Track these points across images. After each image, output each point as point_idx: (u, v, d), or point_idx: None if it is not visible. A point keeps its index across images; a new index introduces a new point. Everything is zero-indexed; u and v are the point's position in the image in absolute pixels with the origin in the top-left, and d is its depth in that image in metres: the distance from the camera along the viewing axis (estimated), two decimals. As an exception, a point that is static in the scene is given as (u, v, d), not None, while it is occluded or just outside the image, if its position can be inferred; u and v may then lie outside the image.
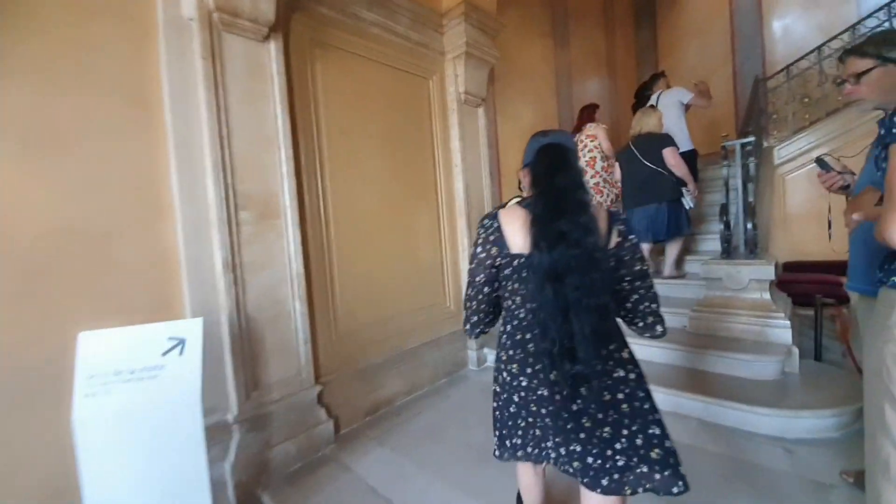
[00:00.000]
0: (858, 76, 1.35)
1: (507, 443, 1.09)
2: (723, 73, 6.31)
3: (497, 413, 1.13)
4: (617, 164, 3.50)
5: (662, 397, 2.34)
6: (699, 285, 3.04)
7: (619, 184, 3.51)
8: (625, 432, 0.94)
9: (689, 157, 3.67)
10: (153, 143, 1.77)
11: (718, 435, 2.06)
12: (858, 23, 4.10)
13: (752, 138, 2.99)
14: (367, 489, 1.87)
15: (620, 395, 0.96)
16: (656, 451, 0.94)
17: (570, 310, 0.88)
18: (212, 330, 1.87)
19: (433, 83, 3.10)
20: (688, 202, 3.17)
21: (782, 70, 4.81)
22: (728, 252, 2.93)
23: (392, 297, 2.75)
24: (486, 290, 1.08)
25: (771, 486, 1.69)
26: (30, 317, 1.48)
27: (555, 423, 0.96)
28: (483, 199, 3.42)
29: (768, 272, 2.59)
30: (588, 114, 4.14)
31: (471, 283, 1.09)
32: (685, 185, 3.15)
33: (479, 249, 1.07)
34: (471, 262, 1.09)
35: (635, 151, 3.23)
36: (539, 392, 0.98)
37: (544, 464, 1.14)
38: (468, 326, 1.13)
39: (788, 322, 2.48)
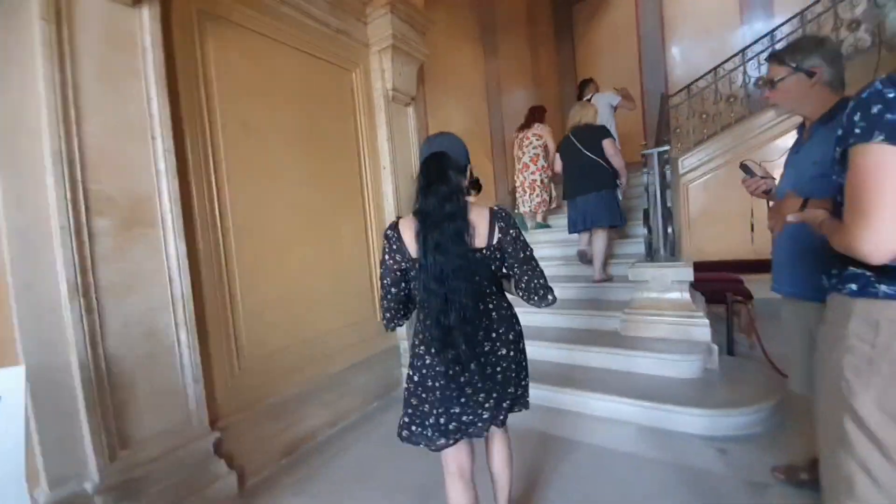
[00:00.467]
0: (774, 82, 1.37)
1: (406, 430, 1.22)
2: (632, 90, 6.83)
3: (405, 397, 1.24)
4: (558, 156, 3.60)
5: (603, 405, 2.30)
6: (626, 287, 3.12)
7: (560, 175, 3.62)
8: (494, 395, 1.17)
9: None
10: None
11: (656, 440, 2.04)
12: (746, 48, 4.64)
13: (667, 147, 3.15)
14: (278, 560, 1.51)
15: (499, 368, 1.17)
16: (521, 390, 1.29)
17: (449, 306, 1.07)
18: (57, 377, 1.42)
19: (357, 76, 2.82)
20: (619, 193, 3.35)
21: (684, 89, 5.29)
22: (651, 255, 3.03)
23: (312, 316, 2.39)
24: (393, 290, 1.22)
25: (711, 490, 1.67)
26: None
27: (443, 395, 1.14)
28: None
29: (688, 273, 2.70)
30: (539, 114, 4.40)
31: (382, 286, 1.24)
32: (619, 176, 3.32)
33: (386, 257, 1.21)
34: (381, 267, 1.24)
35: (575, 141, 3.34)
36: (437, 368, 1.14)
37: (466, 451, 1.26)
38: (384, 321, 1.28)
39: (707, 321, 2.60)
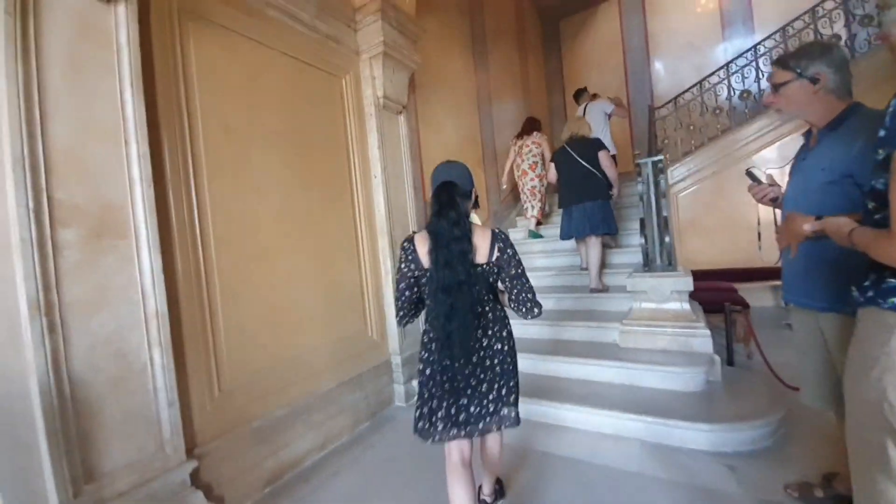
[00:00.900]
0: (778, 86, 1.34)
1: (421, 423, 1.37)
2: (620, 102, 6.92)
3: (419, 389, 1.41)
4: (553, 165, 3.66)
5: (604, 420, 2.21)
6: (624, 298, 3.06)
7: (554, 183, 3.71)
8: (497, 385, 1.37)
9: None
10: None
11: (663, 457, 1.95)
12: (730, 62, 4.74)
13: (661, 157, 3.14)
14: None
15: (496, 360, 1.38)
16: (511, 397, 1.40)
17: (454, 313, 1.27)
18: (15, 404, 1.29)
19: (347, 83, 2.74)
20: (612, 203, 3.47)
21: (671, 101, 5.38)
22: (648, 265, 2.99)
23: (299, 331, 2.26)
24: (407, 293, 1.42)
25: (725, 513, 1.59)
26: None
27: (451, 386, 1.33)
28: (407, 214, 3.10)
29: (688, 283, 2.65)
30: (535, 124, 4.66)
31: (398, 289, 1.43)
32: (612, 187, 3.43)
33: (402, 265, 1.42)
34: (397, 274, 1.43)
35: (571, 152, 3.42)
36: (444, 363, 1.33)
37: (468, 449, 1.41)
38: (398, 318, 1.47)
39: (708, 331, 2.55)
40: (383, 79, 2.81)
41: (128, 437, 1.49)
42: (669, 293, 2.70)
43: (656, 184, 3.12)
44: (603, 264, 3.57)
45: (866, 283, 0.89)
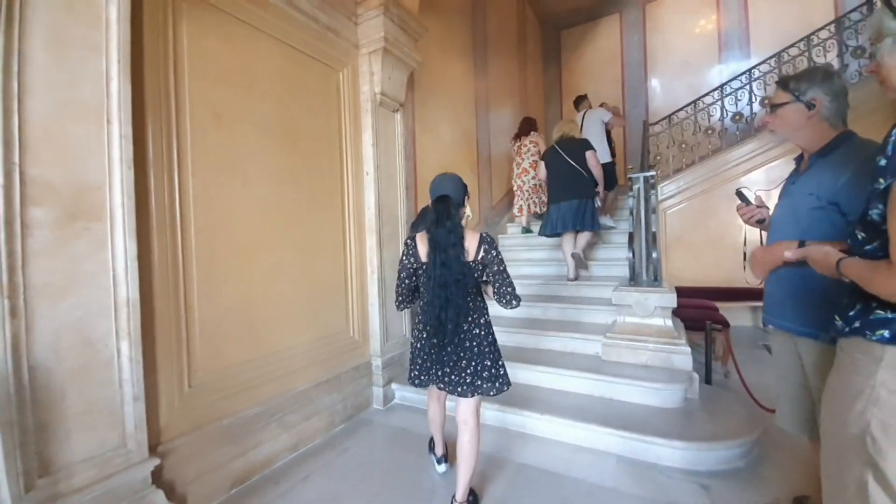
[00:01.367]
0: (775, 107, 1.35)
1: (413, 373, 1.73)
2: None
3: (412, 352, 1.76)
4: (542, 163, 3.80)
5: (582, 433, 2.20)
6: (609, 310, 3.08)
7: (544, 180, 3.87)
8: (473, 363, 1.63)
9: (610, 168, 4.54)
10: None
11: (639, 474, 1.95)
12: (724, 84, 4.82)
13: (653, 172, 3.17)
14: None
15: (475, 343, 1.64)
16: (486, 373, 1.64)
17: (448, 304, 1.56)
18: None
19: (344, 76, 2.69)
20: (597, 201, 3.64)
21: (665, 118, 5.45)
22: (634, 279, 3.00)
23: (278, 327, 2.20)
24: (406, 282, 1.71)
25: (697, 534, 1.58)
26: None
27: (437, 357, 1.64)
28: (398, 214, 3.06)
29: (672, 299, 2.67)
30: (532, 124, 4.88)
31: (399, 278, 1.71)
32: (598, 185, 3.61)
33: (404, 259, 1.69)
34: (399, 265, 1.71)
35: (561, 151, 3.58)
36: (432, 341, 1.63)
37: (444, 395, 1.86)
38: (396, 303, 1.77)
39: (689, 349, 2.56)
40: (382, 75, 2.77)
41: (88, 429, 1.42)
42: (653, 308, 2.72)
43: (647, 199, 3.15)
44: (588, 244, 3.83)
45: (851, 314, 0.88)
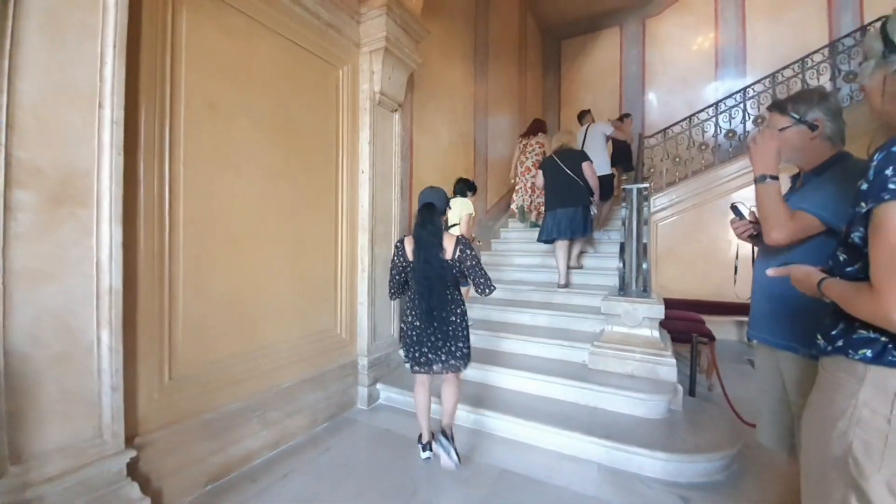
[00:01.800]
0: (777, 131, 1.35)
1: (407, 356, 2.03)
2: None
3: (404, 337, 2.06)
4: (540, 172, 3.94)
5: (565, 441, 2.21)
6: (597, 319, 3.09)
7: (541, 188, 4.02)
8: (448, 344, 1.97)
9: (608, 180, 4.70)
10: None
11: (620, 483, 1.96)
12: (719, 101, 4.90)
13: (647, 184, 3.20)
14: None
15: (450, 328, 1.97)
16: (459, 353, 1.99)
17: (431, 294, 1.92)
18: None
19: (344, 74, 2.69)
20: (592, 209, 3.79)
21: (660, 132, 5.51)
22: (623, 289, 3.02)
23: (265, 323, 2.18)
24: (397, 277, 2.05)
25: (674, 545, 1.59)
26: None
27: (421, 338, 1.97)
28: (391, 214, 3.05)
29: (660, 311, 2.69)
30: (541, 126, 5.03)
31: (391, 274, 2.07)
32: (593, 194, 3.74)
33: (395, 258, 2.04)
34: (391, 263, 2.08)
35: (559, 161, 3.72)
36: (416, 323, 1.98)
37: (429, 375, 2.07)
38: (389, 294, 2.12)
39: (674, 360, 2.58)
40: (382, 74, 2.77)
41: (64, 418, 1.39)
42: (642, 319, 2.74)
43: (639, 210, 3.18)
44: (582, 251, 4.15)
45: (834, 332, 0.89)
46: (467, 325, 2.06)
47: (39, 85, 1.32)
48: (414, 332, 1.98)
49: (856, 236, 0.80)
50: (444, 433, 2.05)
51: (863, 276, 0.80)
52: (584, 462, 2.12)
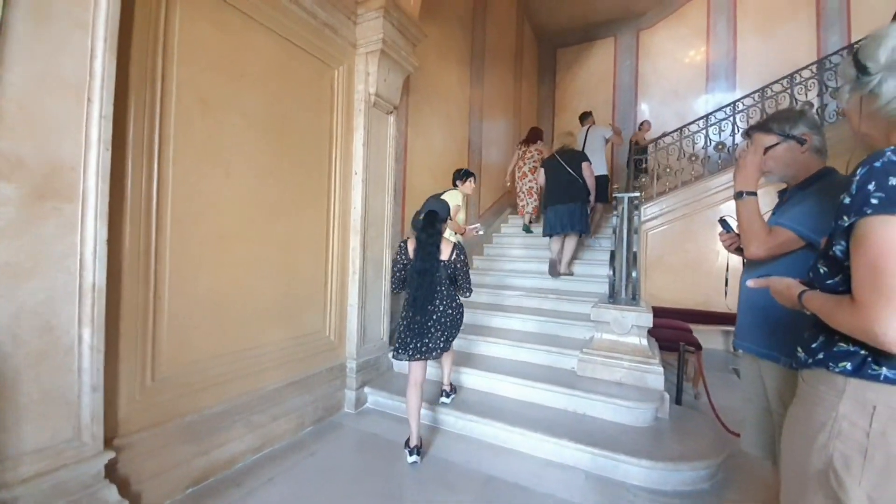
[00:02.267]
0: (765, 150, 1.38)
1: (399, 346, 2.21)
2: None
3: (398, 332, 2.25)
4: (542, 170, 4.22)
5: (552, 448, 2.21)
6: (586, 326, 3.11)
7: (542, 185, 4.31)
8: (445, 333, 2.23)
9: (604, 181, 4.96)
10: None
11: (606, 491, 1.96)
12: (710, 114, 4.99)
13: (638, 193, 3.24)
14: None
15: (447, 320, 2.23)
16: (453, 340, 2.32)
17: (426, 288, 2.14)
18: None
19: (340, 75, 2.68)
20: (588, 208, 4.04)
21: (652, 142, 5.58)
22: (613, 297, 3.05)
23: (251, 324, 2.15)
24: (398, 274, 2.27)
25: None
26: None
27: (418, 331, 2.18)
28: (384, 217, 3.04)
29: (648, 319, 2.72)
30: (539, 134, 5.24)
31: (393, 271, 2.31)
32: (590, 194, 4.02)
33: (398, 257, 2.28)
34: (393, 261, 2.41)
35: (560, 160, 4.00)
36: (417, 318, 2.18)
37: (423, 381, 2.24)
38: (391, 287, 2.40)
39: (662, 369, 2.60)
40: (377, 76, 2.77)
41: (42, 418, 1.35)
42: (630, 327, 2.76)
43: (630, 219, 3.22)
44: (575, 256, 4.29)
45: (814, 345, 0.90)
46: (462, 317, 2.35)
47: (25, 75, 1.29)
48: (415, 325, 2.18)
49: (837, 249, 0.81)
50: (445, 392, 2.61)
51: (843, 288, 0.81)
52: (571, 469, 2.12)
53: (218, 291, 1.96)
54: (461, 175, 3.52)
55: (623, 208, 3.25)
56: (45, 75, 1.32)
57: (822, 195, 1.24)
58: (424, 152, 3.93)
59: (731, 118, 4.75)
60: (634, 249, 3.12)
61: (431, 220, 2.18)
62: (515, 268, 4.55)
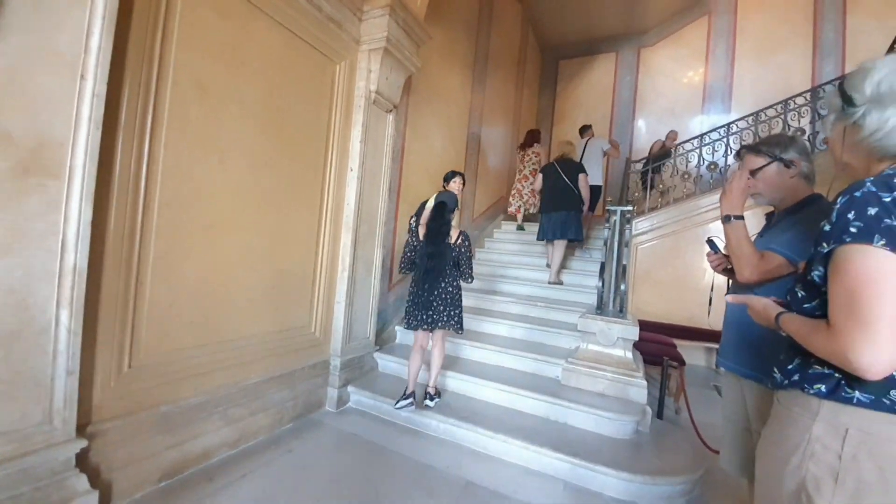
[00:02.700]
0: (754, 172, 1.40)
1: (406, 319, 2.58)
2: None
3: (406, 305, 2.61)
4: (540, 175, 4.40)
5: (533, 456, 2.20)
6: (573, 335, 3.12)
7: (539, 190, 4.52)
8: (447, 309, 2.54)
9: (598, 191, 5.15)
10: None
11: (583, 502, 1.96)
12: (703, 134, 5.07)
13: (630, 207, 3.27)
14: None
15: (448, 297, 2.54)
16: (455, 318, 2.57)
17: (434, 267, 2.49)
18: None
19: (341, 70, 2.67)
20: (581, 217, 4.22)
21: (646, 157, 5.66)
22: (601, 308, 3.07)
23: (235, 315, 2.11)
24: (409, 254, 2.59)
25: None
26: None
27: (425, 303, 2.51)
28: (377, 215, 3.03)
29: (634, 332, 2.74)
30: (536, 136, 5.45)
31: (404, 251, 2.62)
32: (584, 204, 4.19)
33: (409, 238, 2.63)
34: (405, 243, 2.66)
35: (558, 169, 4.20)
36: (424, 295, 2.51)
37: (426, 346, 2.66)
38: (400, 268, 2.68)
39: (645, 382, 2.62)
40: (379, 74, 2.76)
41: (11, 400, 1.30)
42: (616, 339, 2.78)
43: (621, 232, 3.24)
44: (564, 265, 4.38)
45: (790, 367, 0.90)
46: (461, 297, 2.62)
47: (19, 48, 1.25)
48: (420, 299, 2.49)
49: (815, 275, 0.82)
50: (430, 395, 2.60)
51: (819, 313, 0.82)
52: (550, 478, 2.12)
53: (203, 280, 1.93)
54: (448, 177, 3.55)
55: (615, 221, 3.28)
56: (40, 49, 1.29)
57: (810, 221, 1.26)
58: (422, 153, 3.93)
59: (725, 139, 4.83)
60: (624, 262, 3.14)
61: (442, 209, 2.49)
62: (506, 273, 4.55)
